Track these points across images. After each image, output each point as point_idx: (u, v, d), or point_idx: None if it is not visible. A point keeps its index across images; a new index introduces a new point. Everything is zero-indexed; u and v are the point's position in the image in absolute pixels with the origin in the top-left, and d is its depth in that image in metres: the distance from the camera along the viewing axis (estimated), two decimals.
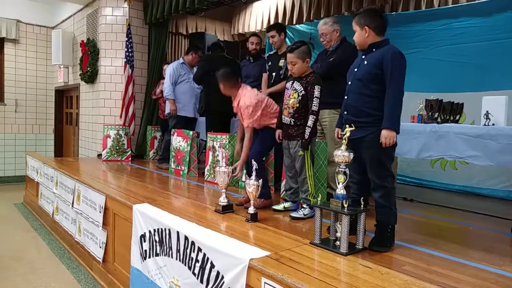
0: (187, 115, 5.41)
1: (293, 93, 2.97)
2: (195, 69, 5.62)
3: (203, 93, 5.04)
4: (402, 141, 3.19)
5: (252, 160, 2.95)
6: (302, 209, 3.02)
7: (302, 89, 2.92)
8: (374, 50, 2.44)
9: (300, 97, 2.93)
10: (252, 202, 2.90)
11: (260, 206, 3.17)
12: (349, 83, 2.54)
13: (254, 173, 2.87)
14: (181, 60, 5.51)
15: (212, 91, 4.54)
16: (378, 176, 2.39)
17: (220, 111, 4.67)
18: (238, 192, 3.97)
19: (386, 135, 2.31)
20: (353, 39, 2.57)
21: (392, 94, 2.32)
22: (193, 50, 5.54)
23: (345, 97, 2.56)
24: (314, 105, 2.86)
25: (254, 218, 2.87)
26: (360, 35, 2.48)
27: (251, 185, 2.85)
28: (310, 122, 2.87)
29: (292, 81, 3.02)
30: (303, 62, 2.91)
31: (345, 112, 2.54)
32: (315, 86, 2.88)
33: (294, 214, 2.99)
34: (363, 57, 2.50)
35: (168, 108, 5.42)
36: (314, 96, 2.86)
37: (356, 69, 2.52)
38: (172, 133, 5.21)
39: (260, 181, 2.88)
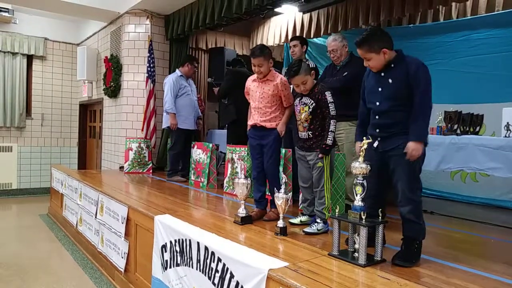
0: (188, 127, 5.45)
1: (302, 107, 2.99)
2: (190, 80, 5.64)
3: (231, 106, 5.03)
4: None
5: (281, 172, 2.96)
6: (316, 224, 2.96)
7: (312, 101, 2.95)
8: (392, 65, 2.39)
9: (311, 109, 2.95)
10: (281, 215, 2.85)
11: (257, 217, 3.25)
12: (377, 103, 2.45)
13: (283, 186, 2.86)
14: (178, 73, 5.53)
15: (241, 103, 4.68)
16: (409, 188, 2.33)
17: (245, 123, 4.76)
18: None
19: (413, 147, 2.26)
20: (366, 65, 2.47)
21: (420, 105, 2.29)
22: (189, 61, 5.56)
23: (376, 117, 2.47)
24: (331, 110, 2.87)
25: (283, 232, 2.83)
26: (378, 60, 2.39)
27: (280, 198, 2.81)
28: (332, 127, 2.86)
29: (299, 97, 3.05)
30: (311, 76, 2.96)
31: (377, 130, 2.46)
32: (325, 93, 2.90)
33: (307, 229, 2.94)
34: (382, 74, 2.42)
35: (167, 121, 5.37)
36: (328, 102, 2.88)
37: (380, 89, 2.44)
38: (192, 145, 5.31)
39: (290, 194, 2.87)
